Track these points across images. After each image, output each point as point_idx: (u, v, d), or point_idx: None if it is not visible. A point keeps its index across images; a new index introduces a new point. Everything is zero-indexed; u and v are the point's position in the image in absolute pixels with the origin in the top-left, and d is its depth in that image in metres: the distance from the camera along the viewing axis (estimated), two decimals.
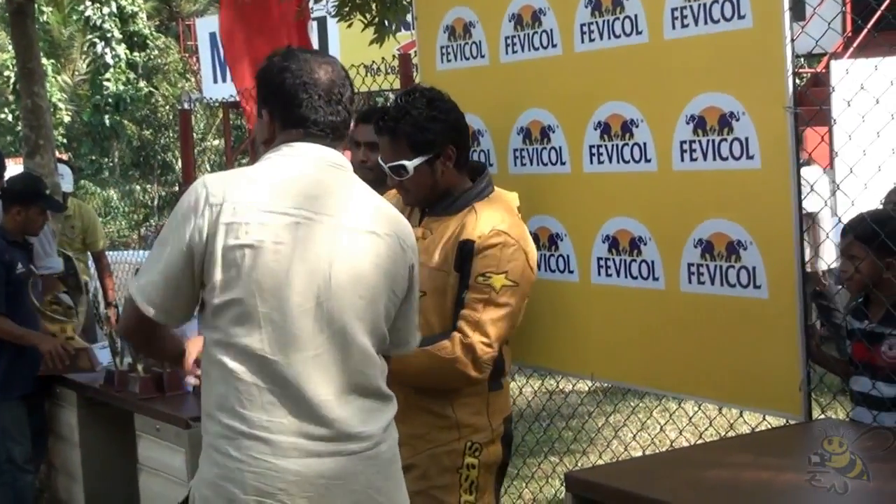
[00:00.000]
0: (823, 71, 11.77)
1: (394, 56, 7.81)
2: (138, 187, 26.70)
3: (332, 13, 7.78)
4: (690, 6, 3.94)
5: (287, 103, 2.94)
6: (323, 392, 2.82)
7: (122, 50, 27.70)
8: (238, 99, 11.23)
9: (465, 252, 3.60)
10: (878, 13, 9.19)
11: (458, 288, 3.61)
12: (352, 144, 4.39)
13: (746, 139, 3.81)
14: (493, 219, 3.64)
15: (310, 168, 2.91)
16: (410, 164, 3.66)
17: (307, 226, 2.84)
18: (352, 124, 3.04)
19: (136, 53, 28.08)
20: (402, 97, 3.73)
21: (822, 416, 3.86)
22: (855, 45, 12.21)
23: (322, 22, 16.91)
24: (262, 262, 2.79)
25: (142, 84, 27.81)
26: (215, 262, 2.79)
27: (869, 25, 9.58)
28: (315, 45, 15.28)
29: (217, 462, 2.84)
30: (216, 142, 25.97)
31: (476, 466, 3.67)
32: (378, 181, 4.42)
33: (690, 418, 5.21)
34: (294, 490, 2.80)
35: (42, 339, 5.67)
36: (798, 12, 3.79)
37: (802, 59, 14.15)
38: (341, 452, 2.85)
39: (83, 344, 5.76)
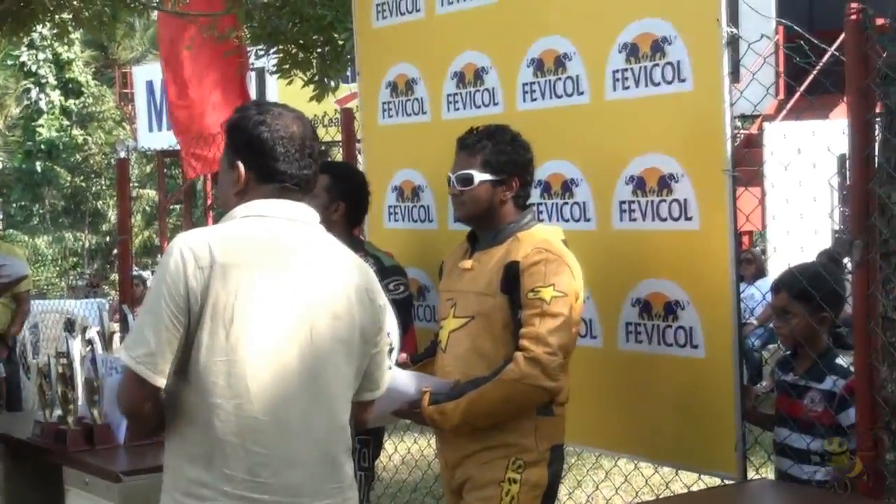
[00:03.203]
0: (756, 132, 11.97)
1: (335, 111, 7.83)
2: (69, 235, 26.38)
3: (272, 70, 7.80)
4: (632, 69, 3.99)
5: (265, 156, 2.97)
6: (300, 448, 2.85)
7: (56, 96, 27.51)
8: (174, 147, 11.19)
9: (511, 273, 3.70)
10: (810, 77, 9.36)
11: (509, 310, 3.70)
12: None
13: (685, 200, 3.86)
14: (535, 240, 3.74)
15: (286, 227, 2.95)
16: (478, 176, 3.79)
17: (288, 286, 2.87)
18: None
19: (70, 100, 27.87)
20: (490, 126, 3.91)
21: (757, 476, 3.88)
22: (787, 107, 12.46)
23: (261, 73, 16.93)
24: (246, 323, 2.81)
25: (76, 131, 27.59)
26: (204, 323, 2.81)
27: (801, 88, 9.77)
28: (253, 96, 15.29)
29: None
30: (147, 190, 25.78)
31: (517, 482, 3.70)
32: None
33: (626, 477, 5.20)
34: None
35: None
36: (734, 74, 3.86)
37: (736, 120, 14.42)
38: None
39: None
